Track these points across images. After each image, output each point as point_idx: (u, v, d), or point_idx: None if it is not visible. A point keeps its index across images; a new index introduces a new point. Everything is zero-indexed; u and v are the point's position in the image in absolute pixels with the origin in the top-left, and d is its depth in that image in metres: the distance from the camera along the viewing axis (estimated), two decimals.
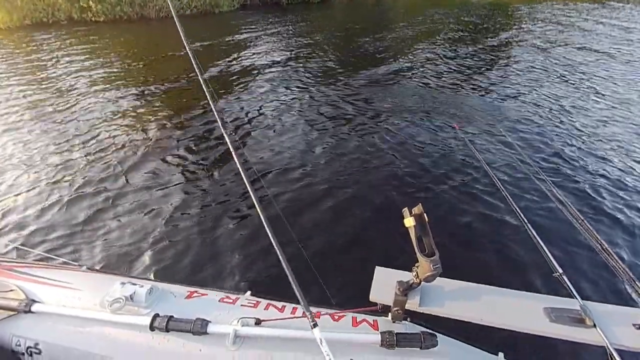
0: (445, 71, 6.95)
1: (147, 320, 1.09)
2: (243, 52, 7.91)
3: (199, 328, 1.06)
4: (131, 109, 5.03)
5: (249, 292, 1.34)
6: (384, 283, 1.20)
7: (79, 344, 1.13)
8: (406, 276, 1.21)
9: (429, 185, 3.31)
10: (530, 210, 2.85)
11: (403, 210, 1.02)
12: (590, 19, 12.56)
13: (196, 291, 1.29)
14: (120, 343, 1.12)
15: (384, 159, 3.76)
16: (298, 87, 5.90)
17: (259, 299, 1.27)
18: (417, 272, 1.05)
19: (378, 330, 1.16)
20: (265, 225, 1.24)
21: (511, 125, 4.64)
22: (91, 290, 1.25)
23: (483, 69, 7.19)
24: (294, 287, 1.10)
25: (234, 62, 7.25)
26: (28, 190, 3.17)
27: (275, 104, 5.23)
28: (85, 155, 3.74)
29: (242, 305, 1.22)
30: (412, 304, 1.10)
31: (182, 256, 2.32)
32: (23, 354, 1.16)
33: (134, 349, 1.11)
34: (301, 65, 7.09)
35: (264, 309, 1.20)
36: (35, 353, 1.15)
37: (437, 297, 1.14)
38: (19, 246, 2.11)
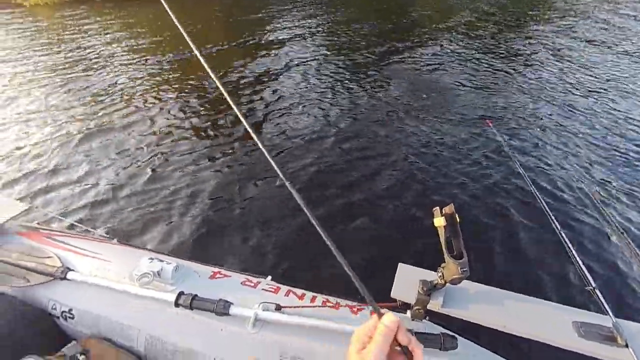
0: (476, 63, 6.63)
1: (172, 297, 1.13)
2: (268, 30, 7.84)
3: (221, 309, 1.09)
4: (166, 82, 5.13)
5: (269, 277, 1.35)
6: (406, 280, 1.18)
7: (109, 313, 1.19)
8: (429, 275, 1.19)
9: (459, 183, 3.19)
10: (566, 219, 2.70)
11: (434, 209, 0.99)
12: None
13: (219, 272, 1.32)
14: (146, 316, 1.17)
15: (413, 152, 3.66)
16: (321, 76, 5.79)
17: (279, 285, 1.29)
18: (442, 273, 1.02)
19: None
20: (312, 220, 1.24)
21: (548, 127, 4.38)
22: (121, 263, 1.30)
23: (518, 62, 6.80)
24: (354, 280, 1.09)
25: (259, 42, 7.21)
26: (60, 160, 3.34)
27: (297, 88, 5.18)
28: (123, 128, 3.86)
29: (263, 289, 1.24)
30: (435, 304, 1.08)
31: (206, 236, 2.39)
32: (58, 317, 1.24)
33: (159, 323, 1.15)
34: (322, 50, 6.94)
35: (284, 295, 1.21)
36: (70, 318, 1.22)
37: (461, 300, 1.11)
38: (56, 215, 2.23)
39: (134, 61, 5.84)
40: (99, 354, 1.13)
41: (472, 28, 8.93)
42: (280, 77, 5.52)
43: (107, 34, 7.44)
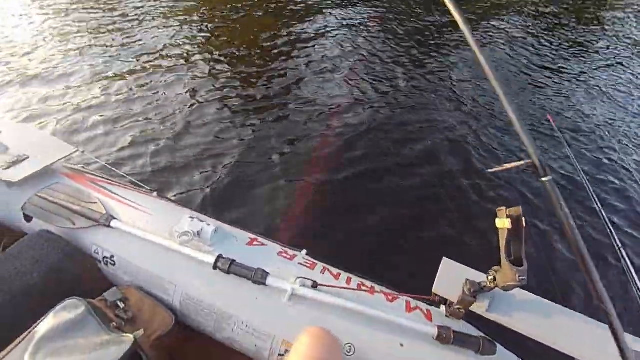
0: (533, 53, 6.10)
1: (211, 259, 1.13)
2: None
3: (259, 278, 1.09)
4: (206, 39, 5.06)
5: (304, 251, 1.34)
6: (450, 277, 1.13)
7: (149, 266, 1.21)
8: (474, 275, 1.14)
9: (516, 183, 2.86)
10: (631, 242, 2.47)
11: (499, 209, 0.91)
12: None
13: (256, 239, 1.31)
14: (184, 273, 1.18)
15: (469, 143, 3.44)
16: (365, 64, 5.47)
17: (315, 261, 1.27)
18: (494, 277, 0.97)
19: (432, 321, 1.12)
20: None
21: (620, 132, 3.94)
22: (162, 217, 1.31)
23: (584, 55, 6.19)
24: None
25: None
26: (106, 108, 3.40)
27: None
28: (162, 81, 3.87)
29: (299, 263, 1.22)
30: (480, 307, 1.03)
31: (245, 200, 2.40)
32: (100, 261, 1.28)
33: (195, 282, 1.17)
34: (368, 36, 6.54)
35: (320, 273, 1.20)
36: (110, 264, 1.26)
37: (508, 307, 1.06)
38: (100, 161, 2.29)
39: (178, 22, 5.70)
40: (137, 303, 1.16)
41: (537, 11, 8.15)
42: (323, 45, 5.27)
43: None
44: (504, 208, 0.91)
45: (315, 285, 1.11)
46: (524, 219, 0.90)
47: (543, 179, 0.79)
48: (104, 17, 5.79)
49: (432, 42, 5.81)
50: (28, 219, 1.38)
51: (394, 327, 1.07)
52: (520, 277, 0.89)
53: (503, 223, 0.90)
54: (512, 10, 7.93)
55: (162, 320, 1.12)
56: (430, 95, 4.17)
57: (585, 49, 6.35)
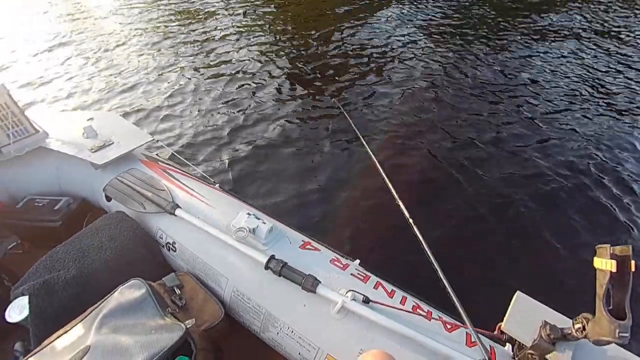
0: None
1: (263, 259, 1.12)
2: None
3: (309, 285, 1.05)
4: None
5: (357, 261, 1.27)
6: (523, 314, 0.98)
7: (204, 256, 1.25)
8: (553, 317, 0.98)
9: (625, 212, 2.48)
10: None
11: (600, 246, 0.76)
12: None
13: (310, 243, 1.28)
14: (236, 269, 1.20)
15: (550, 157, 3.05)
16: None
17: (369, 274, 1.20)
18: (584, 326, 0.81)
19: None
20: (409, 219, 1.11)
21: None
22: (221, 210, 1.35)
23: None
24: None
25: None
26: (178, 103, 3.67)
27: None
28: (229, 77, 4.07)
29: (351, 274, 1.16)
30: (558, 357, 0.87)
31: (305, 204, 2.41)
32: (163, 246, 1.35)
33: (246, 280, 1.17)
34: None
35: (374, 288, 1.12)
36: (172, 250, 1.32)
37: None
38: (171, 150, 2.48)
39: (247, 27, 5.96)
40: (191, 291, 1.20)
41: None
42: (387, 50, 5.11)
43: None
44: (607, 245, 0.75)
45: (367, 301, 1.04)
46: (633, 262, 0.74)
47: None
48: (181, 18, 6.27)
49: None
50: (108, 199, 1.52)
51: None
52: (621, 333, 0.73)
53: (604, 264, 0.75)
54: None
55: (212, 312, 1.15)
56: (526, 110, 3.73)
57: None
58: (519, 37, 5.48)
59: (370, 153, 1.42)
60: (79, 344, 0.90)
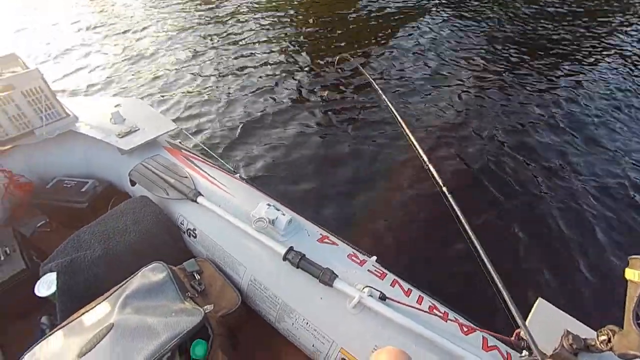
0: None
1: (282, 249, 1.13)
2: None
3: (326, 279, 1.05)
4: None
5: (374, 258, 1.27)
6: (544, 322, 0.96)
7: (225, 244, 1.27)
8: (575, 326, 0.95)
9: None
10: None
11: (633, 257, 0.73)
12: None
13: (327, 237, 1.28)
14: (254, 258, 1.21)
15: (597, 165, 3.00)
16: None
17: (385, 271, 1.20)
18: (610, 338, 0.79)
19: None
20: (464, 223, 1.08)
21: None
22: (242, 200, 1.36)
23: None
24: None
25: None
26: (202, 93, 3.72)
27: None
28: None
29: (368, 270, 1.16)
30: None
31: (325, 199, 2.42)
32: (184, 232, 1.38)
33: (264, 270, 1.19)
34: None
35: (390, 285, 1.12)
36: (192, 236, 1.35)
37: None
38: (193, 137, 2.53)
39: (271, 22, 5.94)
40: (209, 278, 1.23)
41: None
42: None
43: None
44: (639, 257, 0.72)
45: (383, 297, 1.04)
46: None
47: None
48: (206, 9, 6.31)
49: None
50: (132, 183, 1.56)
51: None
52: None
53: (637, 275, 0.72)
54: None
55: (229, 299, 1.17)
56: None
57: None
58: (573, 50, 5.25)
59: (415, 143, 1.32)
60: (103, 322, 0.93)
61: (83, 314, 0.98)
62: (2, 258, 1.33)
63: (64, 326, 0.95)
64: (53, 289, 1.12)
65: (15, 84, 1.54)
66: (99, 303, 1.00)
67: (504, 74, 4.40)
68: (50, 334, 0.93)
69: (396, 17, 6.01)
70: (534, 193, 2.64)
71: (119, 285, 1.04)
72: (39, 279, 1.15)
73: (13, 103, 1.56)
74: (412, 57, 4.68)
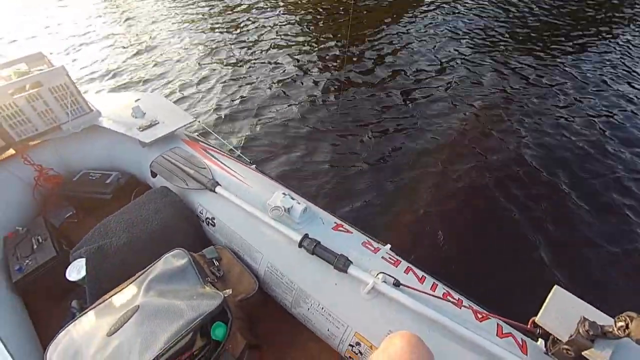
0: None
1: (297, 237, 1.16)
2: None
3: (341, 265, 1.08)
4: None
5: (388, 246, 1.28)
6: (560, 309, 0.95)
7: (242, 233, 1.31)
8: (592, 313, 0.94)
9: None
10: None
11: None
12: None
13: (342, 225, 1.30)
14: (271, 245, 1.25)
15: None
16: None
17: (399, 258, 1.21)
18: (627, 324, 0.78)
19: (527, 354, 0.97)
20: None
21: None
22: (258, 190, 1.40)
23: None
24: None
25: None
26: (219, 87, 3.78)
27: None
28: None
29: (382, 257, 1.18)
30: (597, 355, 0.85)
31: (342, 189, 2.46)
32: (203, 221, 1.43)
33: (281, 256, 1.22)
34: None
35: (404, 272, 1.13)
36: (211, 225, 1.40)
37: None
38: (210, 130, 2.58)
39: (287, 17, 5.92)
40: (228, 264, 1.27)
41: None
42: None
43: None
44: None
45: (397, 284, 1.05)
46: None
47: None
48: (223, 6, 6.34)
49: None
50: (153, 175, 1.62)
51: (481, 351, 0.95)
52: None
53: None
54: None
55: (247, 285, 1.21)
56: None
57: None
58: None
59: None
60: (129, 304, 0.99)
61: (110, 297, 1.04)
62: (35, 246, 1.41)
63: (95, 307, 1.01)
64: (83, 273, 1.19)
65: (43, 81, 1.61)
66: (125, 287, 1.06)
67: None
68: (82, 314, 0.99)
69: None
70: (558, 179, 2.58)
71: (143, 270, 1.09)
72: (68, 264, 1.22)
73: (41, 99, 1.63)
74: (435, 43, 4.61)
